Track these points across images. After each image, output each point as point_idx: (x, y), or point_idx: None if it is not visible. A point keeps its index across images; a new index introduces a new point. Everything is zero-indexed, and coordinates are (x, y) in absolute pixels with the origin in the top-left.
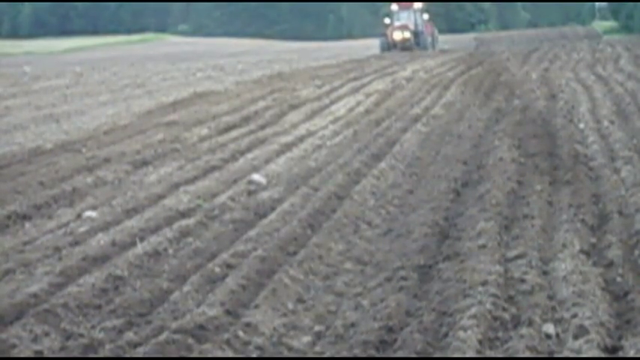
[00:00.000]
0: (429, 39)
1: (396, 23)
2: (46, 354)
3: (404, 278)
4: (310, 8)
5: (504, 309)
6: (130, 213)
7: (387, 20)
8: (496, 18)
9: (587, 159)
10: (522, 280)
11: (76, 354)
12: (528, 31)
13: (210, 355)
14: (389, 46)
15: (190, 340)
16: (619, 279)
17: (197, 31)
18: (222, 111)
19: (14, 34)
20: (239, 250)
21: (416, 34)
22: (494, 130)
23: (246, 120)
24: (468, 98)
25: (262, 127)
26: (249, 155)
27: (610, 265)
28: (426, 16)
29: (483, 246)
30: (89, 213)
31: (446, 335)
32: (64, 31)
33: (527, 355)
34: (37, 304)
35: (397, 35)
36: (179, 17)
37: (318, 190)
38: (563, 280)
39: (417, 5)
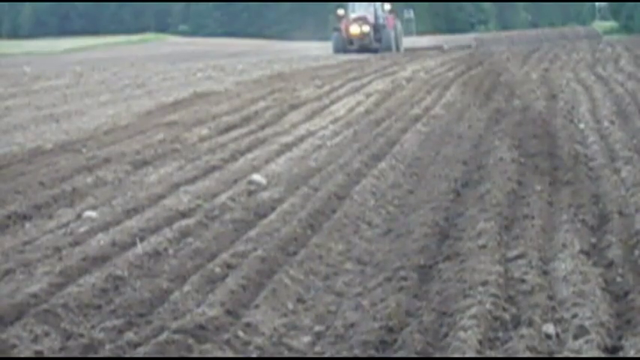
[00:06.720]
0: (392, 34)
1: (352, 15)
2: (46, 354)
3: (404, 278)
4: (310, 8)
5: (504, 309)
6: (130, 213)
7: (340, 11)
8: (496, 18)
9: (587, 159)
10: (522, 280)
11: (76, 354)
12: (528, 31)
13: (210, 355)
14: (344, 45)
15: (190, 340)
16: (619, 279)
17: (197, 32)
18: (223, 111)
19: (14, 34)
20: (239, 250)
21: (376, 28)
22: (494, 130)
23: (246, 120)
24: (468, 98)
25: (262, 127)
26: (249, 155)
27: (610, 265)
28: (387, 7)
29: (483, 246)
30: (89, 213)
31: (446, 335)
32: (65, 31)
33: (528, 355)
34: (37, 304)
35: (354, 29)
36: (179, 17)
37: (318, 190)
38: (564, 280)
39: None
